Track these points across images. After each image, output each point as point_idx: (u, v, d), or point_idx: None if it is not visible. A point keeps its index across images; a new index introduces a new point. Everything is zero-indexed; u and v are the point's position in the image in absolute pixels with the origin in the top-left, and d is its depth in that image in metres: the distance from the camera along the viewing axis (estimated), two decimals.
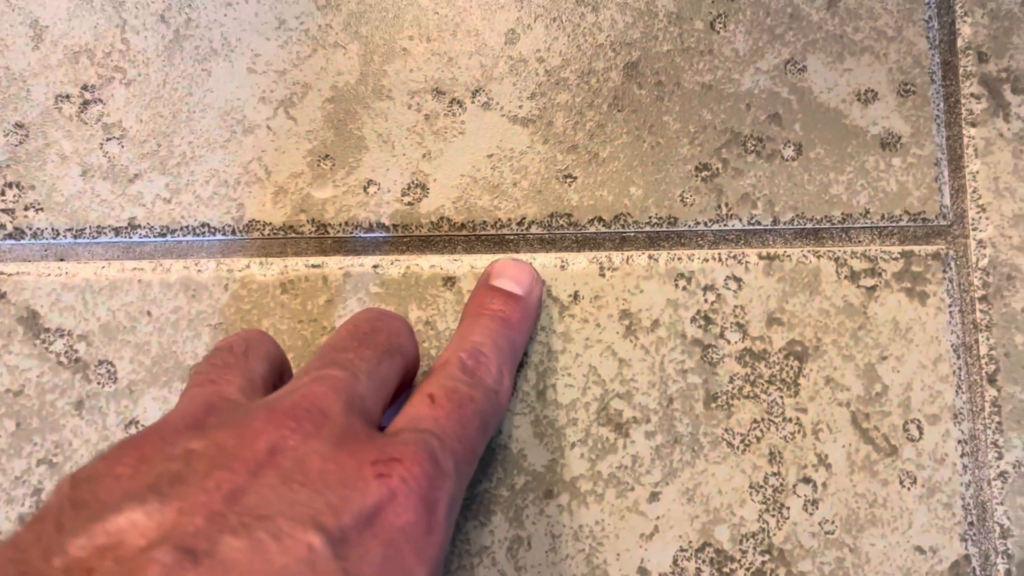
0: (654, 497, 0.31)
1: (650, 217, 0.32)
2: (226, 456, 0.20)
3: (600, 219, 0.32)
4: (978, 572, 0.31)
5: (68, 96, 0.32)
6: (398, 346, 0.26)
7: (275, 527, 0.19)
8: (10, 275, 0.31)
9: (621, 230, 0.32)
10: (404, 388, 0.27)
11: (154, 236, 0.31)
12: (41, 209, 0.31)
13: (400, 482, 0.21)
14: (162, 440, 0.21)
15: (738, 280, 0.32)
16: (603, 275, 0.32)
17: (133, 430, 0.31)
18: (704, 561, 0.31)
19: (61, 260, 0.31)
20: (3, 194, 0.31)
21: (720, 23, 0.33)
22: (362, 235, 0.32)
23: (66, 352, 0.31)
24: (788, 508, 0.31)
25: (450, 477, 0.23)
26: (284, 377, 0.27)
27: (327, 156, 0.32)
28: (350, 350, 0.25)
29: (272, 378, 0.26)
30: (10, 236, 0.31)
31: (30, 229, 0.31)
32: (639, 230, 0.32)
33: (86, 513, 0.19)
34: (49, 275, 0.31)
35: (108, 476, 0.20)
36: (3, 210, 0.31)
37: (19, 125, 0.31)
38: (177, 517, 0.19)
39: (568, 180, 0.32)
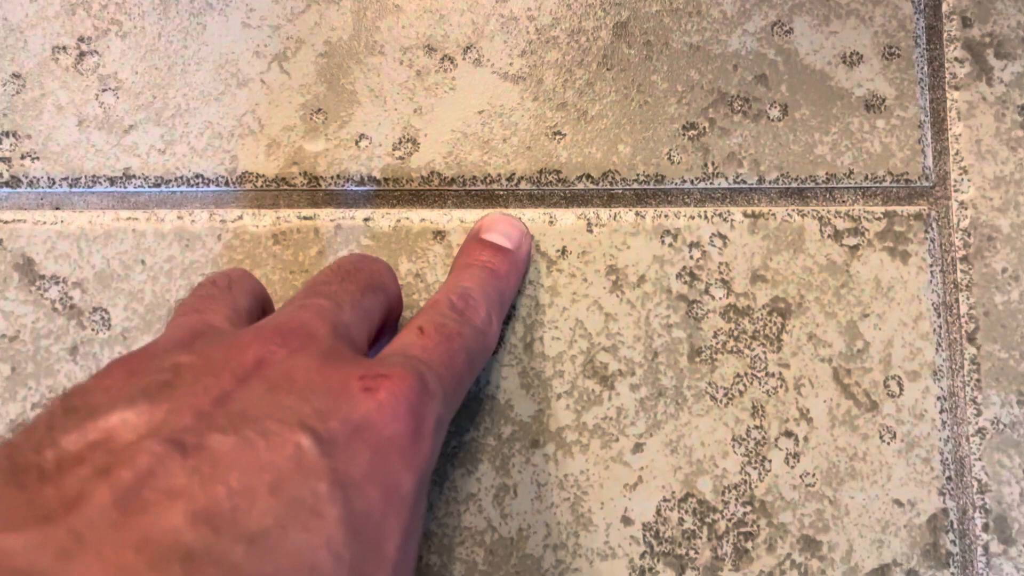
0: (638, 448, 0.31)
1: (638, 174, 0.32)
2: (214, 366, 0.20)
3: (588, 176, 0.32)
4: (956, 526, 0.31)
5: (65, 47, 0.31)
6: (380, 283, 0.26)
7: (263, 427, 0.19)
8: (6, 223, 0.30)
9: (609, 187, 0.32)
10: (388, 329, 0.27)
11: (149, 186, 0.31)
12: (37, 158, 0.31)
13: (388, 394, 0.21)
14: (151, 357, 0.21)
15: (723, 237, 0.32)
16: (591, 231, 0.31)
17: None
18: (687, 511, 0.30)
19: (57, 209, 0.31)
20: (0, 143, 0.30)
21: None
22: (353, 188, 0.31)
23: (61, 299, 0.30)
24: (770, 461, 0.31)
25: (437, 398, 0.22)
26: (267, 313, 0.26)
27: (319, 110, 0.31)
28: (334, 283, 0.25)
29: (256, 312, 0.26)
30: (6, 184, 0.30)
31: (26, 178, 0.31)
32: (627, 187, 0.32)
33: (77, 416, 0.18)
34: (45, 223, 0.30)
35: (98, 388, 0.20)
36: (1, 158, 0.30)
37: (16, 75, 0.31)
38: (166, 416, 0.18)
39: (557, 137, 0.32)
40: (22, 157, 0.31)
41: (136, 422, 0.18)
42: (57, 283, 0.30)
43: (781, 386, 0.31)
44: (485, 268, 0.28)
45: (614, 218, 0.32)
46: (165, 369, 0.20)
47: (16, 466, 0.17)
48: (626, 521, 0.30)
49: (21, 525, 0.16)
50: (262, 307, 0.26)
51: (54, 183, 0.31)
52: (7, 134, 0.31)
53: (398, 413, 0.21)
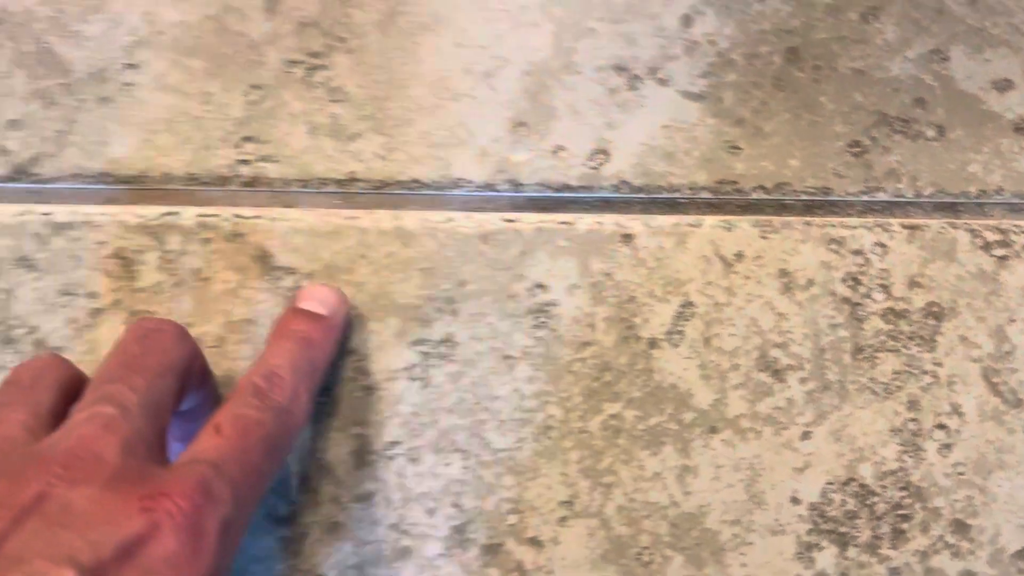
0: (806, 436, 0.32)
1: (807, 187, 0.33)
2: None
3: (763, 187, 0.33)
4: None
5: (298, 62, 0.33)
6: (168, 364, 0.25)
7: (31, 568, 0.19)
8: (247, 218, 0.32)
9: (781, 197, 0.33)
10: (193, 385, 0.27)
11: (371, 189, 0.32)
12: (274, 161, 0.32)
13: (164, 515, 0.21)
14: None
15: (883, 246, 0.33)
16: (764, 237, 0.33)
17: (351, 358, 0.32)
18: (849, 494, 0.32)
19: (288, 207, 0.32)
20: (242, 146, 0.32)
21: (872, 15, 0.34)
22: (552, 194, 0.33)
23: (294, 288, 0.32)
24: (924, 450, 0.32)
25: (225, 503, 0.22)
26: (80, 395, 0.25)
27: (523, 123, 0.33)
28: (120, 380, 0.24)
29: (64, 402, 0.25)
30: (247, 184, 0.32)
31: (264, 178, 0.32)
32: (796, 198, 0.33)
33: None
34: (279, 220, 0.32)
35: None
36: (241, 161, 0.32)
37: (256, 86, 0.32)
38: None
39: (734, 151, 0.33)
40: (260, 160, 0.32)
41: None
42: (291, 274, 0.32)
43: (935, 383, 0.32)
44: (298, 339, 0.28)
45: (785, 226, 0.33)
46: None
47: None
48: (794, 501, 0.32)
49: None
50: (70, 393, 0.25)
51: (288, 184, 0.32)
52: (247, 139, 0.32)
53: (175, 531, 0.21)
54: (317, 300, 0.30)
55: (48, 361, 0.26)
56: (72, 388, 0.25)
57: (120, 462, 0.22)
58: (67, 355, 0.28)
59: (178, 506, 0.21)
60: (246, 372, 0.27)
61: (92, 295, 0.31)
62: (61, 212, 0.32)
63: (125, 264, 0.32)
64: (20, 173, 0.32)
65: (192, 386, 0.27)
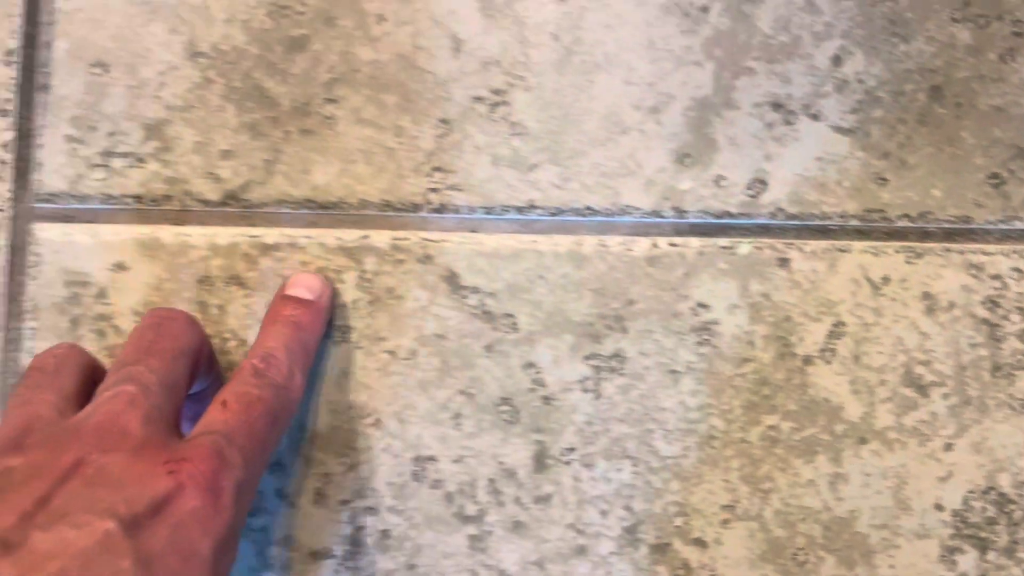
0: (948, 447, 0.34)
1: (948, 215, 0.35)
2: (39, 469, 0.23)
3: (907, 215, 0.35)
4: None
5: (481, 98, 0.35)
6: (181, 348, 0.28)
7: (76, 520, 0.21)
8: (435, 242, 0.34)
9: (924, 225, 0.35)
10: (201, 371, 0.29)
11: (548, 215, 0.35)
12: (460, 189, 0.35)
13: (187, 477, 0.23)
14: None
15: (1020, 271, 0.35)
16: (909, 263, 0.35)
17: (531, 371, 0.34)
18: (988, 501, 0.34)
19: (473, 231, 0.34)
20: (431, 176, 0.34)
21: (1010, 55, 0.36)
22: (713, 220, 0.35)
23: (478, 306, 0.34)
24: None
25: (237, 467, 0.25)
26: (97, 381, 0.27)
27: (687, 155, 0.35)
28: (140, 362, 0.26)
29: (86, 386, 0.27)
30: (435, 210, 0.34)
31: (451, 205, 0.35)
32: (939, 226, 0.35)
33: None
34: (465, 243, 0.34)
35: None
36: (431, 189, 0.34)
37: (443, 120, 0.35)
38: None
39: (881, 182, 0.35)
40: (448, 188, 0.35)
41: None
42: (475, 292, 0.34)
43: None
44: (288, 323, 0.30)
45: (928, 252, 0.35)
46: None
47: None
48: (938, 507, 0.34)
49: None
50: (92, 378, 0.27)
51: (473, 210, 0.35)
52: (436, 169, 0.35)
53: (197, 490, 0.23)
54: (304, 287, 0.32)
55: (68, 350, 0.28)
56: (91, 373, 0.28)
57: (143, 433, 0.24)
58: None
59: (198, 469, 0.24)
60: (246, 355, 0.29)
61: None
62: (269, 235, 0.34)
63: None
64: (231, 199, 0.34)
65: (201, 370, 0.29)
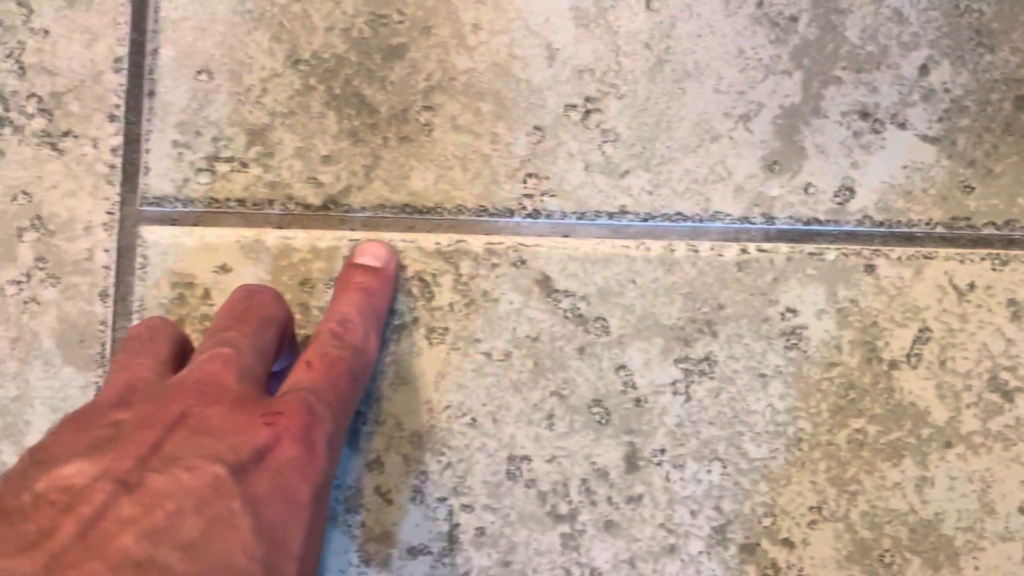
0: None
1: None
2: (147, 420, 0.24)
3: (993, 223, 0.35)
4: None
5: (574, 105, 0.35)
6: (270, 317, 0.29)
7: (188, 464, 0.23)
8: (529, 246, 0.35)
9: (1010, 233, 0.35)
10: (285, 345, 0.30)
11: (638, 221, 0.35)
12: (553, 195, 0.35)
13: (283, 428, 0.24)
14: (96, 415, 0.25)
15: None
16: (995, 269, 0.35)
17: (622, 373, 0.34)
18: None
19: (566, 236, 0.35)
20: (525, 182, 0.35)
21: None
22: (801, 227, 0.35)
23: (571, 309, 0.35)
24: None
25: (326, 421, 0.26)
26: (187, 352, 0.29)
27: (776, 162, 0.35)
28: (232, 328, 0.28)
29: (178, 355, 0.29)
30: (529, 216, 0.35)
31: (544, 211, 0.35)
32: None
33: (43, 466, 0.22)
34: (558, 248, 0.35)
35: (56, 443, 0.24)
36: (525, 195, 0.35)
37: (537, 128, 0.35)
38: (112, 463, 0.22)
39: (967, 190, 0.35)
40: (541, 194, 0.35)
41: (89, 469, 0.22)
42: (568, 296, 0.35)
43: None
44: (359, 289, 0.31)
45: (1014, 259, 0.35)
46: (108, 425, 0.24)
47: (3, 509, 0.21)
48: (1022, 511, 0.34)
49: (12, 553, 0.20)
50: (183, 349, 0.29)
51: (565, 215, 0.35)
52: (530, 175, 0.35)
53: (293, 440, 0.24)
54: (371, 255, 0.33)
55: (160, 321, 0.30)
56: (182, 343, 0.30)
57: (239, 388, 0.26)
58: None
59: (292, 422, 0.25)
60: (322, 321, 0.30)
61: (395, 312, 0.34)
62: (368, 239, 0.35)
63: (424, 286, 0.35)
64: (332, 203, 0.35)
65: (285, 345, 0.31)
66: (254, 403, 0.26)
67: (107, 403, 0.26)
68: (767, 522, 0.34)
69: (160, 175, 0.35)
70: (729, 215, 0.35)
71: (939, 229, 0.35)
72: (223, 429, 0.24)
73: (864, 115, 0.36)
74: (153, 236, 0.34)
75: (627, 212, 0.35)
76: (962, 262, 0.35)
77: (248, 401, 0.26)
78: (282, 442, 0.25)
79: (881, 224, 0.35)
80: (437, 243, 0.35)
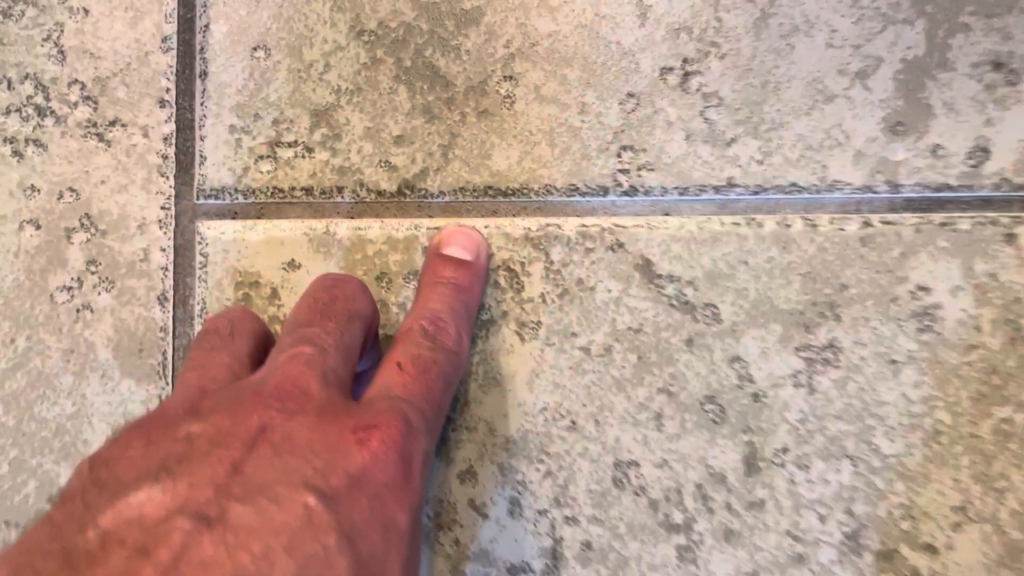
0: None
1: None
2: (223, 435, 0.20)
3: None
4: None
5: (671, 68, 0.30)
6: (356, 311, 0.25)
7: (273, 493, 0.19)
8: (626, 228, 0.30)
9: None
10: (369, 343, 0.26)
11: (748, 194, 0.30)
12: (652, 169, 0.30)
13: (379, 444, 0.20)
14: (165, 425, 0.20)
15: None
16: None
17: (736, 366, 0.30)
18: None
19: (666, 215, 0.30)
20: (619, 156, 0.30)
21: None
22: (930, 194, 0.30)
23: (676, 295, 0.30)
24: None
25: (422, 434, 0.22)
26: (268, 349, 0.25)
27: (899, 123, 0.30)
28: (315, 324, 0.23)
29: (258, 352, 0.25)
30: (625, 193, 0.30)
31: (642, 187, 0.30)
32: None
33: (108, 491, 0.18)
34: (659, 228, 0.30)
35: (122, 458, 0.19)
36: (620, 170, 0.30)
37: (631, 95, 0.30)
38: (188, 491, 0.18)
39: None
40: (638, 168, 0.30)
41: (162, 498, 0.18)
42: (672, 281, 0.30)
43: None
44: (449, 284, 0.27)
45: None
46: (179, 439, 0.20)
47: (66, 550, 0.17)
48: None
49: None
50: (263, 345, 0.25)
51: (666, 192, 0.30)
52: (625, 148, 0.30)
53: (389, 460, 0.20)
54: (460, 246, 0.28)
55: (241, 313, 0.25)
56: (263, 338, 0.25)
57: (325, 396, 0.21)
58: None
59: (388, 436, 0.21)
60: (407, 317, 0.26)
61: (482, 306, 0.30)
62: (450, 226, 0.30)
63: (512, 276, 0.30)
64: (407, 188, 0.30)
65: (370, 342, 0.26)
66: (342, 413, 0.21)
67: (177, 410, 0.22)
68: (905, 525, 0.29)
69: (217, 164, 0.30)
70: (849, 184, 0.30)
71: None
72: (310, 446, 0.20)
73: (997, 65, 0.30)
74: (213, 232, 0.30)
75: (735, 185, 0.30)
76: None
77: (335, 410, 0.21)
78: (378, 461, 0.20)
79: (1020, 188, 0.30)
80: (525, 228, 0.30)
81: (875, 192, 0.30)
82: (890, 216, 0.30)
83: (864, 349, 0.29)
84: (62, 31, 0.30)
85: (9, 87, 0.29)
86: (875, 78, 0.30)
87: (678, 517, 0.29)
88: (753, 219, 0.30)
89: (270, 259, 0.29)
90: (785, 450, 0.29)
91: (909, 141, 0.30)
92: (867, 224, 0.30)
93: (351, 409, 0.22)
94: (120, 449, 0.20)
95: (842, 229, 0.30)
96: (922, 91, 0.30)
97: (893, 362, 0.29)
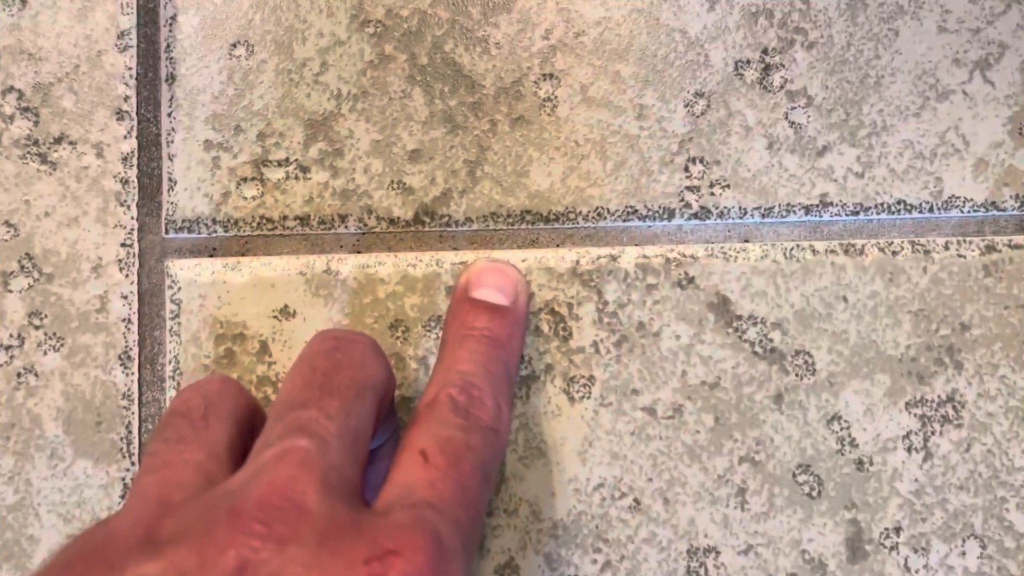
0: None
1: None
2: None
3: None
4: None
5: (748, 61, 0.24)
6: (365, 381, 0.19)
7: None
8: (697, 258, 0.24)
9: None
10: (383, 413, 0.20)
11: (846, 214, 0.24)
12: (727, 186, 0.24)
13: None
14: (109, 567, 0.15)
15: None
16: None
17: (836, 426, 0.24)
18: None
19: (746, 241, 0.24)
20: (687, 170, 0.24)
21: None
22: None
23: (760, 341, 0.24)
24: None
25: (458, 556, 0.16)
26: (255, 431, 0.19)
27: None
28: (311, 404, 0.18)
29: (241, 440, 0.19)
30: (695, 216, 0.24)
31: (716, 208, 0.24)
32: None
33: None
34: (736, 258, 0.24)
35: None
36: (688, 188, 0.24)
37: (699, 94, 0.24)
38: None
39: None
40: (711, 185, 0.24)
41: None
42: (755, 323, 0.24)
43: None
44: (482, 339, 0.21)
45: None
46: None
47: None
48: None
49: None
50: (250, 426, 0.19)
51: (745, 213, 0.24)
52: (694, 160, 0.24)
53: None
54: (494, 287, 0.22)
55: (220, 386, 0.19)
56: (248, 418, 0.19)
57: (326, 510, 0.16)
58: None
59: (415, 568, 0.15)
60: (431, 382, 0.20)
61: (521, 358, 0.24)
62: (481, 260, 0.24)
63: (557, 320, 0.24)
64: (426, 215, 0.24)
65: (383, 415, 0.20)
66: (350, 534, 0.16)
67: (128, 538, 0.16)
68: None
69: (190, 189, 0.24)
70: (970, 200, 0.24)
71: None
72: None
73: None
74: (186, 273, 0.24)
75: (829, 204, 0.24)
76: None
77: (340, 533, 0.16)
78: None
79: None
80: (572, 261, 0.24)
81: (1001, 209, 0.24)
82: (1021, 238, 0.24)
83: (992, 403, 0.23)
84: None
85: None
86: (998, 69, 0.24)
87: None
88: (852, 245, 0.24)
89: (258, 306, 0.23)
90: (898, 530, 0.23)
91: None
92: (992, 249, 0.24)
93: (362, 527, 0.16)
94: None
95: (961, 256, 0.24)
96: None
97: None
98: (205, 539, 0.15)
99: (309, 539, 0.15)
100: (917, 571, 0.23)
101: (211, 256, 0.23)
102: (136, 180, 0.24)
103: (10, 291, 0.23)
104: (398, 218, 0.24)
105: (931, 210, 0.24)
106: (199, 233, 0.24)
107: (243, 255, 0.23)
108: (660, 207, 0.24)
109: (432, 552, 0.16)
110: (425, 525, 0.16)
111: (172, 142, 0.24)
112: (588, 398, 0.23)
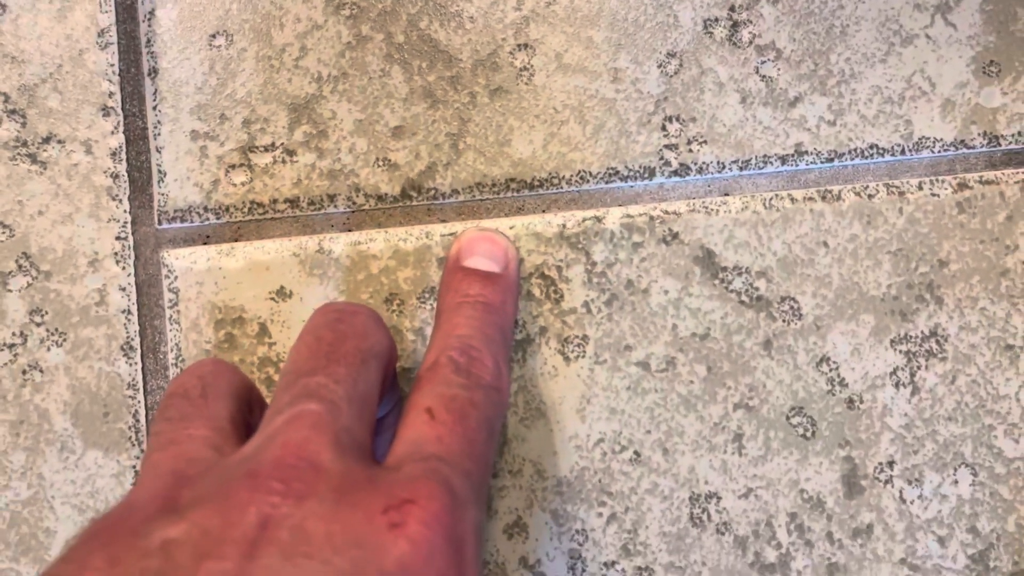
0: None
1: None
2: (212, 540, 0.15)
3: None
4: None
5: (716, 19, 0.24)
6: (370, 349, 0.19)
7: None
8: (680, 214, 0.24)
9: None
10: (387, 383, 0.20)
11: (820, 162, 0.24)
12: (704, 142, 0.24)
13: (419, 527, 0.15)
14: (133, 533, 0.15)
15: None
16: None
17: (825, 368, 0.24)
18: None
19: (726, 194, 0.24)
20: (664, 129, 0.24)
21: None
22: None
23: (746, 290, 0.24)
24: None
25: (470, 504, 0.16)
26: (254, 409, 0.19)
27: (992, 62, 0.24)
28: (319, 371, 0.18)
29: (241, 415, 0.19)
30: (675, 173, 0.24)
31: (695, 164, 0.24)
32: None
33: None
34: (718, 211, 0.24)
35: None
36: (667, 146, 0.24)
37: (671, 54, 0.24)
38: None
39: None
40: (689, 142, 0.24)
41: None
42: (740, 274, 0.24)
43: None
44: (477, 304, 0.21)
45: None
46: (153, 552, 0.14)
47: None
48: None
49: None
50: (249, 403, 0.19)
51: (723, 167, 0.24)
52: (670, 119, 0.24)
53: (436, 548, 0.15)
54: (485, 255, 0.22)
55: (213, 366, 0.19)
56: (246, 395, 0.19)
57: (341, 468, 0.16)
58: None
59: (431, 514, 0.15)
60: (430, 348, 0.20)
61: (515, 323, 0.24)
62: (471, 230, 0.24)
63: (548, 283, 0.24)
64: (413, 189, 0.24)
65: (387, 385, 0.20)
66: (366, 488, 0.16)
67: (147, 506, 0.16)
68: None
69: (180, 179, 0.24)
70: (939, 140, 0.25)
71: None
72: (329, 542, 0.15)
73: None
74: (182, 262, 0.24)
75: (804, 152, 0.24)
76: None
77: (357, 486, 0.16)
78: (420, 552, 0.15)
79: None
80: (558, 225, 0.24)
81: (970, 147, 0.24)
82: (990, 174, 0.24)
83: (974, 335, 0.24)
84: None
85: None
86: (959, 11, 0.24)
87: (771, 555, 0.23)
88: (829, 191, 0.24)
89: (254, 289, 0.23)
90: (891, 463, 0.24)
91: (1006, 83, 0.24)
92: (964, 186, 0.24)
93: (377, 480, 0.16)
94: (76, 570, 0.14)
95: (935, 194, 0.24)
96: (1016, 22, 0.24)
97: (1009, 347, 0.24)
98: (225, 501, 0.15)
99: (327, 494, 0.15)
100: (912, 502, 0.23)
101: (205, 243, 0.24)
102: (126, 174, 0.24)
103: (10, 291, 0.23)
104: (386, 194, 0.24)
105: (903, 152, 0.24)
106: (192, 222, 0.24)
107: (236, 240, 0.23)
108: (641, 167, 0.24)
109: (446, 500, 0.16)
110: (437, 476, 0.16)
111: (159, 134, 0.24)
112: (583, 357, 0.24)
